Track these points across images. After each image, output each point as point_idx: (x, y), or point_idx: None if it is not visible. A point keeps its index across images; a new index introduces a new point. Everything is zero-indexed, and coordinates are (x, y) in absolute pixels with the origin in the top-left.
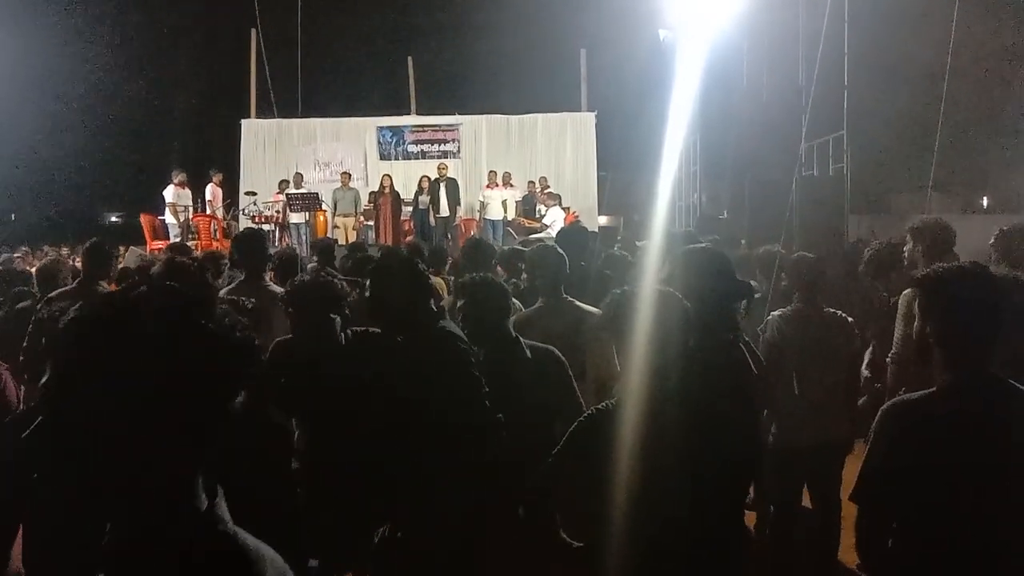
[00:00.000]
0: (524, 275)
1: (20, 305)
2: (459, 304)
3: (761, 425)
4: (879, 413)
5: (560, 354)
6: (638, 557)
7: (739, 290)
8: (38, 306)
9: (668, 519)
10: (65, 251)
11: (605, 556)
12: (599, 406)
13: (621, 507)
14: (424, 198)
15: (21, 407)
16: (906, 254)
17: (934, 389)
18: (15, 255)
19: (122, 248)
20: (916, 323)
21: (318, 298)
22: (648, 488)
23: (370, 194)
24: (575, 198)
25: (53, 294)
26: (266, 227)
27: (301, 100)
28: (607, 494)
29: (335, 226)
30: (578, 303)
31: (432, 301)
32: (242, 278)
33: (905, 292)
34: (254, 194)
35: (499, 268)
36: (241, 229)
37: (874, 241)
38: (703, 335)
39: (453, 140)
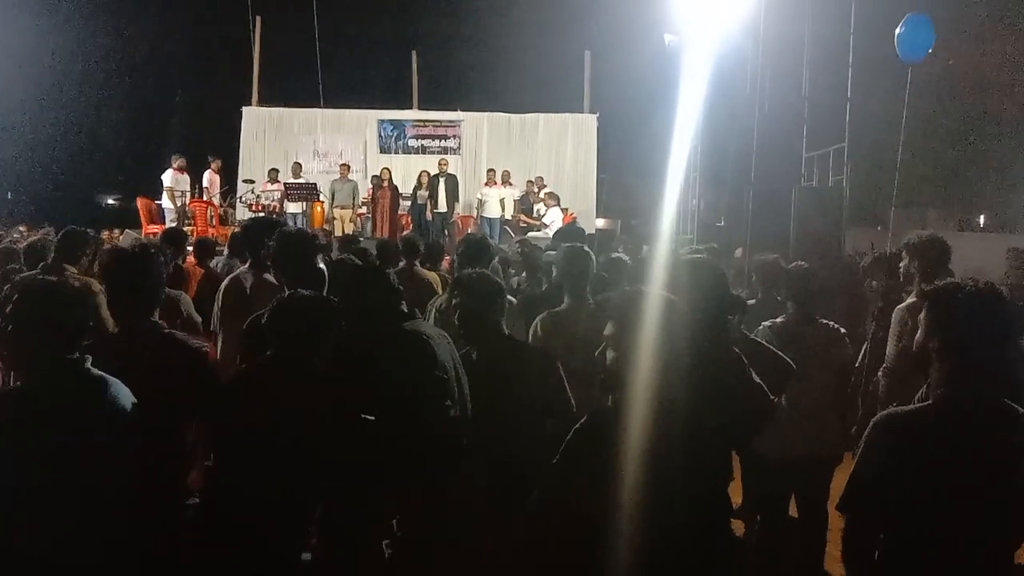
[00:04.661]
0: (524, 273)
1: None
2: (453, 301)
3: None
4: (871, 424)
5: (551, 353)
6: (632, 563)
7: (732, 304)
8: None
9: (662, 526)
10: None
11: (597, 561)
12: (596, 410)
13: (617, 512)
14: (423, 193)
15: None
16: (902, 269)
17: (928, 402)
18: (12, 234)
19: (118, 231)
20: (919, 334)
21: (308, 322)
22: (643, 494)
23: (372, 177)
24: (574, 200)
25: (16, 277)
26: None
27: (303, 90)
28: (603, 499)
29: (332, 217)
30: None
31: (402, 303)
32: (244, 268)
33: (899, 307)
34: (252, 182)
35: (510, 268)
36: (237, 217)
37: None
38: (699, 344)
39: (454, 136)
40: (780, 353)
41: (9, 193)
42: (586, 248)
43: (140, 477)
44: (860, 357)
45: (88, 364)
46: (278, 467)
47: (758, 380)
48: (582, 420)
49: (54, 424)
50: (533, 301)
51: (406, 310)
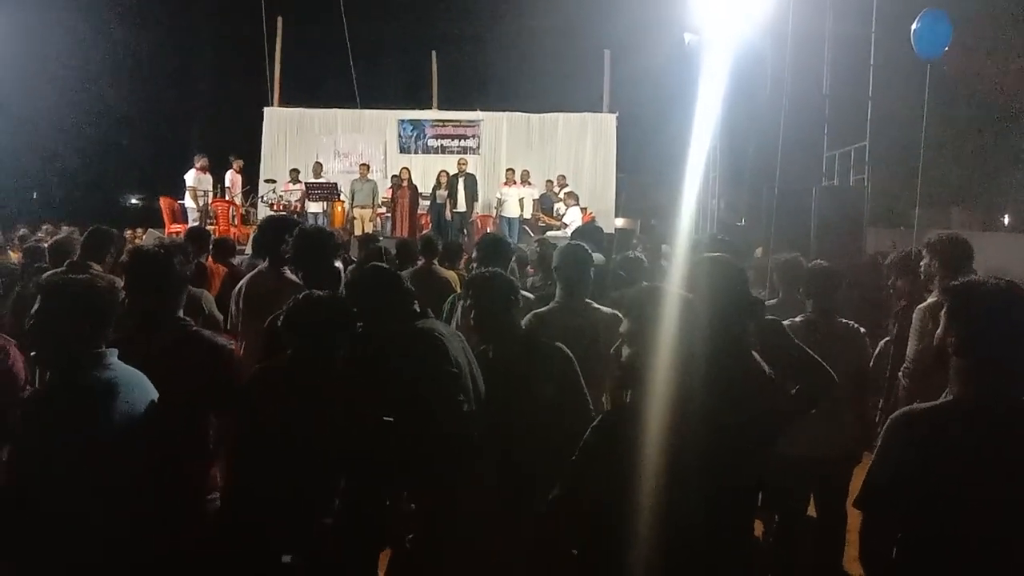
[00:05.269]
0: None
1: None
2: (468, 302)
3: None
4: (888, 421)
5: (568, 351)
6: (648, 561)
7: (750, 305)
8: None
9: (679, 524)
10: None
11: (613, 560)
12: (614, 408)
13: (634, 510)
14: (442, 192)
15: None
16: (922, 268)
17: (947, 400)
18: (38, 233)
19: (141, 230)
20: (939, 330)
21: (323, 321)
22: (661, 492)
23: (392, 177)
24: (593, 199)
25: (47, 274)
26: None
27: (323, 90)
28: (620, 497)
29: (352, 217)
30: (595, 304)
31: (415, 303)
32: (263, 265)
33: (920, 307)
34: (273, 182)
35: (529, 268)
36: (259, 216)
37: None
38: (716, 341)
39: (473, 136)
40: (822, 362)
41: (35, 193)
42: (583, 245)
43: (147, 479)
44: (873, 357)
45: (111, 360)
46: (292, 467)
47: (773, 376)
48: (599, 418)
49: (64, 428)
50: (549, 299)
51: (418, 309)
